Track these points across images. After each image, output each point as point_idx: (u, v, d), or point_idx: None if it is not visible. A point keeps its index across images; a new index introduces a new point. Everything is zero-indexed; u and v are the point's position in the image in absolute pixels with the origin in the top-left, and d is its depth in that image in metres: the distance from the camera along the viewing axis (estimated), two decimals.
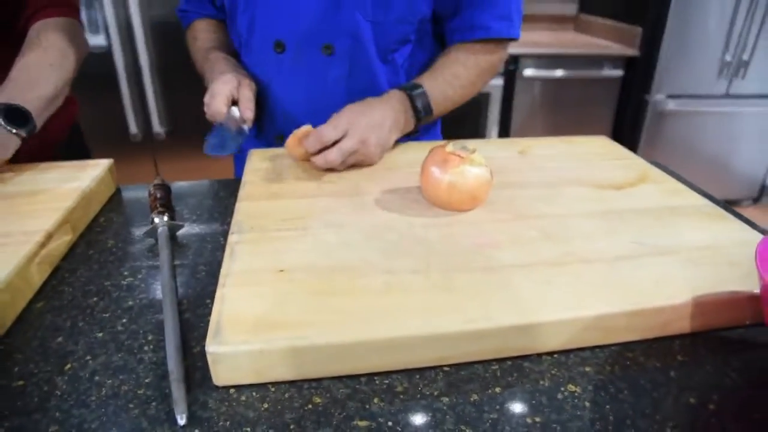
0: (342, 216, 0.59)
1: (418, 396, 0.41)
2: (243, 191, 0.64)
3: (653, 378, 0.43)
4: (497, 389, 0.42)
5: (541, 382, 0.43)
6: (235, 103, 0.74)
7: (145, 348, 0.47)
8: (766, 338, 0.48)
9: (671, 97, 2.44)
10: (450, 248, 0.53)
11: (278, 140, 0.85)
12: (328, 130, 0.68)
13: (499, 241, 0.54)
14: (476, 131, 2.54)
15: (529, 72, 2.40)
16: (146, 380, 0.43)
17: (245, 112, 0.73)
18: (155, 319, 0.50)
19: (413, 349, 0.43)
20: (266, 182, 0.67)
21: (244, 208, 0.60)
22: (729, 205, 0.65)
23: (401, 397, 0.41)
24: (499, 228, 0.56)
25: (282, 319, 0.43)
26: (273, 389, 0.42)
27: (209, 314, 0.49)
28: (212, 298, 0.52)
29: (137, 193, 0.76)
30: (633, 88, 2.46)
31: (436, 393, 0.42)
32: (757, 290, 0.47)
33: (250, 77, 0.80)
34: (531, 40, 2.54)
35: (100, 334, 0.48)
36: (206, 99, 0.74)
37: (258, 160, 0.74)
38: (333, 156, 0.68)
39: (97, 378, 0.43)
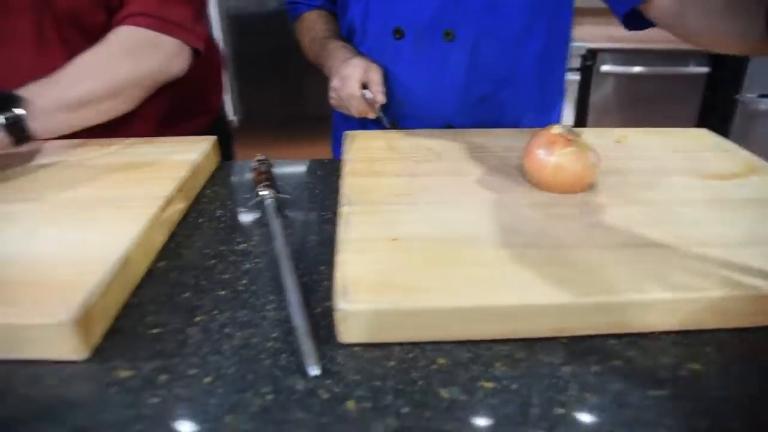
0: (447, 193, 0.60)
1: (539, 363, 0.42)
2: (346, 168, 0.66)
3: None
4: (618, 362, 0.42)
5: (663, 359, 0.43)
6: (365, 87, 0.77)
7: (267, 307, 0.49)
8: None
9: (764, 96, 2.34)
10: (560, 227, 0.53)
11: (392, 125, 0.86)
12: None
13: (609, 222, 0.54)
14: None
15: (606, 67, 2.35)
16: (273, 335, 0.45)
17: (377, 95, 0.75)
18: (273, 282, 0.52)
19: (532, 317, 0.43)
20: (368, 161, 0.69)
21: (349, 183, 0.62)
22: None
23: (523, 363, 0.42)
24: (607, 211, 0.56)
25: (403, 283, 0.44)
26: (397, 349, 0.44)
27: (324, 279, 0.52)
28: (325, 264, 0.54)
29: (235, 169, 0.79)
30: (721, 86, 2.37)
31: (556, 362, 0.42)
32: None
33: (376, 62, 0.82)
34: (608, 35, 2.45)
35: (223, 292, 0.51)
36: (334, 84, 0.76)
37: (359, 140, 0.76)
38: None
39: (226, 330, 0.46)
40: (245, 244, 0.59)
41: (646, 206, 0.57)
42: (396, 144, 0.74)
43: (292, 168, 0.78)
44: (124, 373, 0.42)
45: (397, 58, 0.84)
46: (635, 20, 0.74)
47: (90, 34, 0.80)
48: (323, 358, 0.42)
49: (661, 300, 0.43)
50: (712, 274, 0.46)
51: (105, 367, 0.42)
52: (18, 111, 0.65)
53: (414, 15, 0.81)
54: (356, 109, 0.79)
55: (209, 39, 0.85)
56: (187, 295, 0.51)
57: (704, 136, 0.79)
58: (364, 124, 0.92)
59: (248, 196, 0.69)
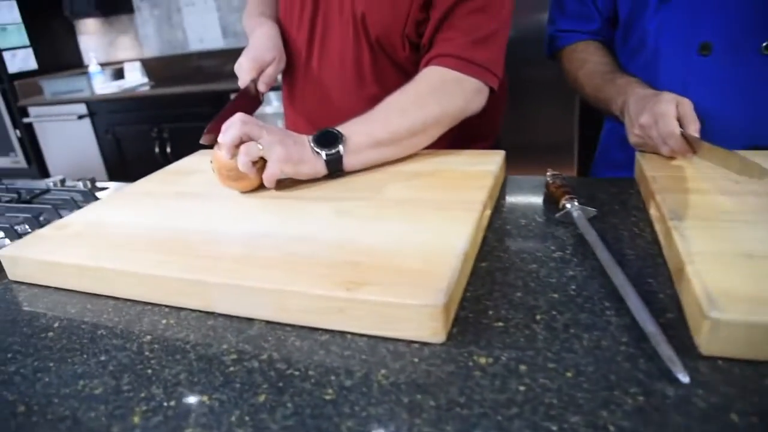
0: None
1: None
2: (656, 185, 0.65)
3: None
4: None
5: None
6: None
7: (607, 313, 0.50)
8: None
9: None
10: None
11: None
12: None
13: None
14: None
15: None
16: (623, 339, 0.46)
17: (696, 133, 0.72)
18: (604, 289, 0.53)
19: None
20: (677, 179, 0.67)
21: (667, 199, 0.61)
22: None
23: None
24: None
25: None
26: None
27: (656, 291, 0.52)
28: (652, 277, 0.54)
29: (520, 183, 0.82)
30: None
31: None
32: None
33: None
34: None
35: (556, 295, 0.53)
36: (644, 121, 0.75)
37: (655, 160, 0.75)
38: None
39: (572, 330, 0.48)
40: (561, 252, 0.60)
41: None
42: (702, 164, 0.71)
43: (582, 185, 0.79)
44: (483, 360, 0.45)
45: (699, 77, 0.80)
46: None
47: (397, 65, 0.90)
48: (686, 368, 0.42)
49: None
50: None
51: (463, 352, 0.46)
52: (338, 149, 0.74)
53: (725, 28, 0.77)
54: (673, 149, 0.73)
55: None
56: (519, 294, 0.54)
57: None
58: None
59: (549, 207, 0.72)
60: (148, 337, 0.53)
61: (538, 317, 0.50)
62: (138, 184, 0.85)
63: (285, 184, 0.76)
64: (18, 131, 3.21)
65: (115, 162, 3.07)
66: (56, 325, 0.57)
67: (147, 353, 0.50)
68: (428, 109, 0.80)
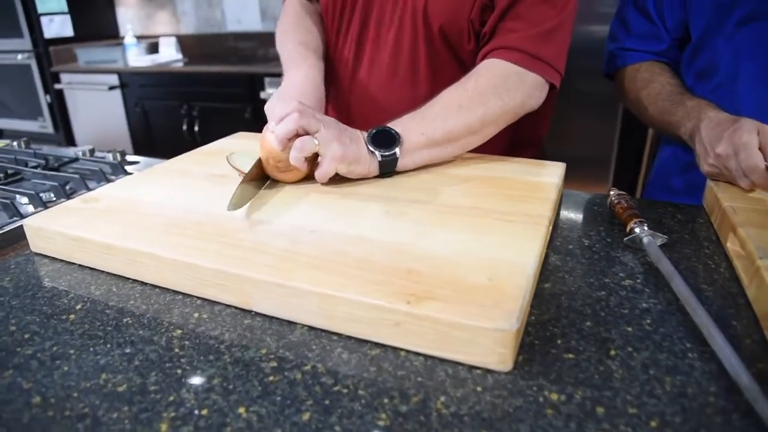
0: None
1: None
2: (736, 218, 0.60)
3: None
4: None
5: None
6: None
7: (689, 355, 0.44)
8: None
9: None
10: None
11: None
12: None
13: None
14: None
15: None
16: (711, 389, 0.41)
17: None
18: (683, 327, 0.48)
19: None
20: (759, 212, 0.61)
21: (753, 234, 0.56)
22: None
23: None
24: None
25: None
26: None
27: (742, 336, 0.46)
28: (735, 319, 0.49)
29: (578, 199, 0.76)
30: None
31: None
32: None
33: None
34: None
35: (630, 329, 0.48)
36: (722, 150, 0.68)
37: (724, 187, 0.69)
38: None
39: (651, 372, 0.43)
40: (631, 281, 0.55)
41: None
42: None
43: (645, 207, 0.74)
44: (554, 396, 0.40)
45: None
46: None
47: (458, 58, 0.84)
48: None
49: None
50: None
51: (532, 385, 0.41)
52: (395, 151, 0.70)
53: None
54: (756, 183, 0.67)
55: None
56: (589, 323, 0.49)
57: None
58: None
59: (612, 228, 0.66)
60: (179, 331, 0.49)
61: (612, 352, 0.45)
62: (173, 161, 0.81)
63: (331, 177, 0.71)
64: (48, 96, 3.20)
65: (141, 136, 3.05)
66: (79, 306, 0.53)
67: (177, 350, 0.46)
68: (488, 106, 0.76)
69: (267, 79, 2.37)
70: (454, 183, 0.70)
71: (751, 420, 0.38)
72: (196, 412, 0.39)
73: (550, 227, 0.62)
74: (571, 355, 0.45)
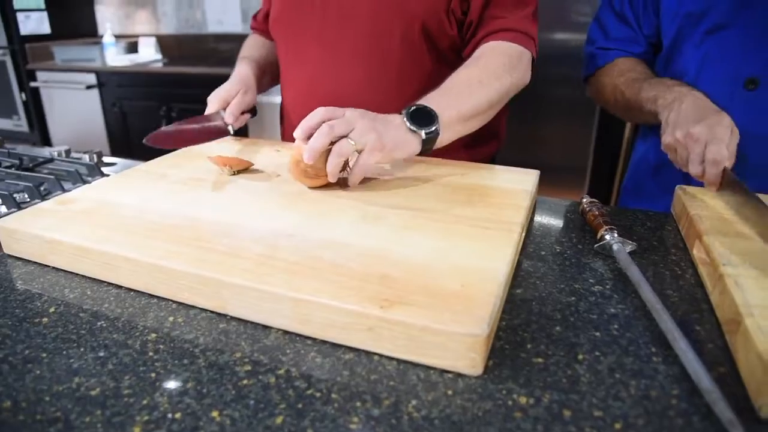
0: None
1: None
2: (703, 226, 0.62)
3: None
4: None
5: None
6: None
7: (654, 359, 0.46)
8: None
9: None
10: None
11: None
12: None
13: None
14: None
15: None
16: (673, 392, 0.42)
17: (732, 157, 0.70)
18: (649, 332, 0.49)
19: None
20: (723, 221, 0.63)
21: (717, 242, 0.57)
22: None
23: None
24: None
25: None
26: None
27: (706, 340, 0.48)
28: (697, 323, 0.50)
29: (551, 205, 0.78)
30: None
31: None
32: None
33: None
34: None
35: (598, 334, 0.49)
36: (698, 131, 0.70)
37: (696, 195, 0.71)
38: None
39: (617, 375, 0.44)
40: (600, 287, 0.57)
41: None
42: (743, 206, 0.68)
43: (616, 215, 0.75)
44: (523, 399, 0.41)
45: (745, 111, 0.77)
46: None
47: (437, 49, 0.89)
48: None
49: None
50: None
51: (501, 388, 0.42)
52: (437, 126, 0.72)
53: None
54: (708, 174, 0.70)
55: None
56: (558, 328, 0.50)
57: None
58: (686, 178, 0.86)
59: (584, 235, 0.68)
60: (153, 335, 0.49)
61: (580, 357, 0.46)
62: (151, 164, 0.81)
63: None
64: (23, 95, 3.15)
65: (119, 137, 3.01)
66: (52, 309, 0.53)
67: (151, 353, 0.46)
68: (501, 82, 0.82)
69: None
70: (431, 189, 0.71)
71: (710, 422, 0.39)
72: (170, 415, 0.40)
73: (523, 234, 0.63)
74: (540, 360, 0.46)
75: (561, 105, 2.21)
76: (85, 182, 0.84)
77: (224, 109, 0.89)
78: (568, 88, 2.19)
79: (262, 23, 1.11)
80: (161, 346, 0.47)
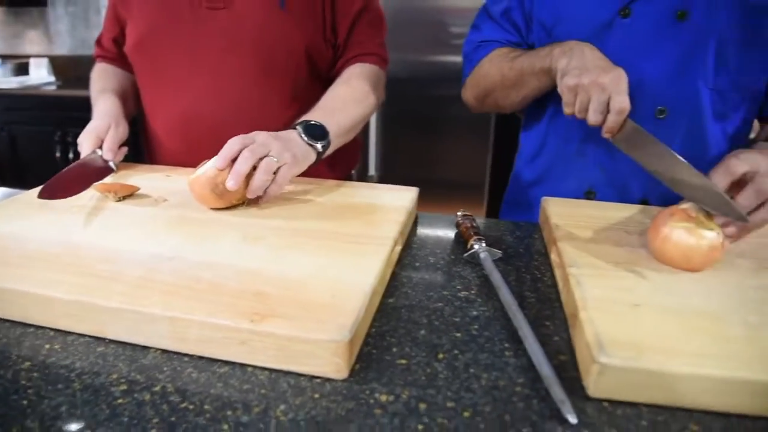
0: (663, 268, 0.61)
1: None
2: (559, 233, 0.69)
3: None
4: None
5: None
6: None
7: (506, 354, 0.51)
8: None
9: None
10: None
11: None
12: None
13: None
14: None
15: None
16: (519, 380, 0.48)
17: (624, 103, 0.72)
18: (505, 330, 0.55)
19: None
20: (579, 228, 0.71)
21: (568, 247, 0.64)
22: None
23: None
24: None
25: (659, 346, 0.46)
26: (645, 410, 0.44)
27: (552, 334, 0.54)
28: (549, 320, 0.56)
29: (430, 220, 0.84)
30: None
31: None
32: None
33: None
34: None
35: (459, 334, 0.54)
36: (604, 80, 0.72)
37: (560, 206, 0.79)
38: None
39: (472, 370, 0.49)
40: (466, 292, 0.62)
41: None
42: (599, 213, 0.76)
43: (490, 226, 0.82)
44: (383, 397, 0.45)
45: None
46: None
47: (317, 70, 0.97)
48: (575, 409, 0.44)
49: None
50: None
51: (365, 389, 0.46)
52: (329, 138, 0.81)
53: (631, 92, 0.80)
54: (607, 122, 0.73)
55: None
56: (423, 332, 0.54)
57: None
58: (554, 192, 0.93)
59: (457, 246, 0.73)
60: (27, 363, 0.49)
61: (440, 356, 0.51)
62: (34, 192, 0.80)
63: (194, 205, 0.74)
64: None
65: (8, 164, 2.85)
66: None
67: (24, 381, 0.46)
68: (370, 101, 0.95)
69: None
70: (312, 208, 0.74)
71: (546, 403, 0.45)
72: None
73: (398, 247, 0.68)
74: (403, 361, 0.50)
75: (457, 124, 2.32)
76: None
77: (100, 147, 0.88)
78: (463, 108, 2.30)
79: (110, 50, 1.09)
80: (35, 374, 0.47)
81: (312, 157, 0.79)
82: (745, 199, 0.61)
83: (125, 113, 0.97)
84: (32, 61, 3.07)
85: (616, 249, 0.65)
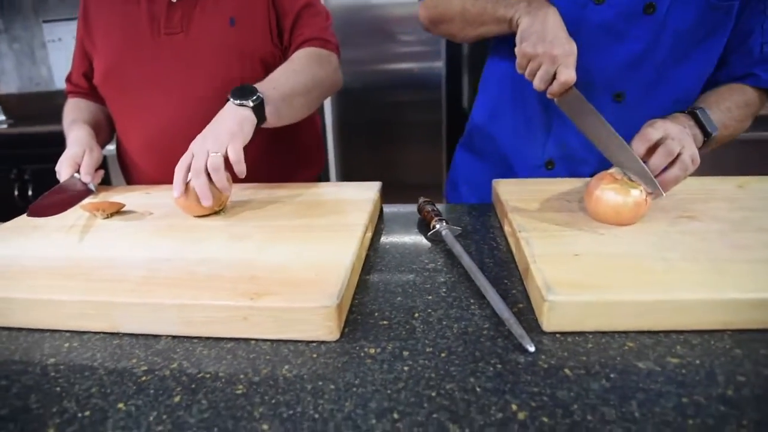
0: (599, 225, 0.70)
1: (713, 348, 0.51)
2: (509, 206, 0.78)
3: None
4: None
5: None
6: None
7: (472, 307, 0.60)
8: None
9: None
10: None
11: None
12: None
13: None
14: None
15: None
16: (485, 326, 0.56)
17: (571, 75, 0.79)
18: (469, 290, 0.63)
19: (702, 311, 0.52)
20: (526, 201, 0.80)
21: (517, 216, 0.74)
22: None
23: (698, 347, 0.51)
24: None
25: (596, 283, 0.55)
26: (590, 336, 0.53)
27: (510, 289, 0.63)
28: (507, 279, 0.65)
29: (394, 210, 0.92)
30: None
31: (727, 346, 0.51)
32: None
33: None
34: None
35: (430, 297, 0.62)
36: (554, 51, 0.78)
37: (509, 185, 0.88)
38: None
39: (444, 323, 0.57)
40: (433, 264, 0.70)
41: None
42: (542, 188, 0.86)
43: (448, 210, 0.91)
44: (372, 350, 0.53)
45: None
46: None
47: (272, 69, 1.01)
48: (533, 341, 0.52)
49: None
50: None
51: (355, 346, 0.54)
52: (258, 94, 0.84)
53: (586, 77, 0.87)
54: (555, 86, 0.79)
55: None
56: (399, 298, 0.62)
57: None
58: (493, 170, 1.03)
59: (421, 228, 0.82)
60: (52, 360, 0.55)
61: (416, 315, 0.59)
62: (19, 220, 0.85)
63: (179, 215, 0.80)
64: None
65: None
66: None
67: (53, 374, 0.52)
68: (314, 71, 1.00)
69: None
70: (286, 208, 0.82)
71: (509, 340, 0.53)
72: (79, 414, 0.47)
73: (369, 233, 0.76)
74: (385, 322, 0.58)
75: (411, 128, 2.43)
76: None
77: (77, 172, 0.93)
78: (417, 112, 2.41)
79: (80, 85, 1.16)
80: (61, 367, 0.53)
81: (251, 117, 0.82)
82: (657, 159, 0.71)
83: (99, 141, 1.02)
84: None
85: (558, 214, 0.74)
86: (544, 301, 0.53)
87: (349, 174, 2.58)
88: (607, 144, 0.75)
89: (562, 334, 0.54)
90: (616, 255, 0.61)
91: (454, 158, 1.22)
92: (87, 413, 0.47)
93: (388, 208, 0.93)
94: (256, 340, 0.55)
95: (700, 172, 0.78)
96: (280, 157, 1.12)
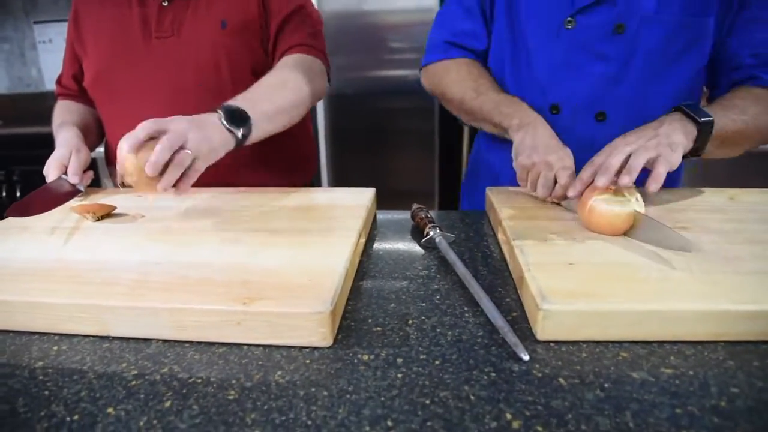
0: (593, 235, 0.70)
1: (706, 359, 0.51)
2: (503, 214, 0.78)
3: None
4: None
5: None
6: None
7: (466, 315, 0.60)
8: None
9: None
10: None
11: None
12: None
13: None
14: None
15: None
16: (479, 334, 0.56)
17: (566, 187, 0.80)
18: (463, 297, 0.63)
19: (695, 322, 0.52)
20: (519, 209, 0.80)
21: (512, 224, 0.74)
22: None
23: (692, 358, 0.51)
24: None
25: (591, 292, 0.55)
26: (585, 345, 0.53)
27: (504, 297, 0.63)
28: (502, 287, 0.65)
29: (388, 216, 0.92)
30: None
31: (720, 358, 0.51)
32: None
33: None
34: None
35: (424, 304, 0.62)
36: (553, 159, 0.82)
37: (503, 194, 0.88)
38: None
39: (438, 330, 0.57)
40: (427, 271, 0.70)
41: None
42: (536, 196, 0.86)
43: (442, 216, 0.91)
44: (365, 357, 0.53)
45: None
46: None
47: (261, 75, 1.00)
48: (527, 350, 0.52)
49: None
50: None
51: (348, 352, 0.54)
52: (250, 125, 0.83)
53: (571, 97, 0.92)
54: (554, 195, 0.82)
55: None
56: (393, 305, 0.62)
57: None
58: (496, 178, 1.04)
59: (414, 234, 0.82)
60: (40, 363, 0.54)
61: (410, 322, 0.58)
62: (9, 220, 0.84)
63: (172, 218, 0.79)
64: None
65: None
66: None
67: (41, 377, 0.52)
68: (299, 84, 0.98)
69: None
70: (279, 213, 0.81)
71: (503, 349, 0.53)
72: (68, 418, 0.46)
73: (362, 239, 0.76)
74: (378, 329, 0.57)
75: (404, 136, 2.43)
76: None
77: (65, 173, 0.92)
78: (409, 120, 2.42)
79: (70, 87, 1.15)
80: (50, 370, 0.53)
81: (231, 144, 0.80)
82: (614, 160, 0.74)
83: (88, 144, 1.01)
84: None
85: (552, 223, 0.74)
86: (539, 309, 0.53)
87: (341, 180, 2.57)
88: None
89: (557, 343, 0.54)
90: (611, 264, 0.61)
91: (474, 147, 1.22)
92: (76, 417, 0.46)
93: (382, 215, 0.93)
94: (249, 345, 0.55)
95: (692, 183, 0.79)
96: (272, 162, 1.12)
